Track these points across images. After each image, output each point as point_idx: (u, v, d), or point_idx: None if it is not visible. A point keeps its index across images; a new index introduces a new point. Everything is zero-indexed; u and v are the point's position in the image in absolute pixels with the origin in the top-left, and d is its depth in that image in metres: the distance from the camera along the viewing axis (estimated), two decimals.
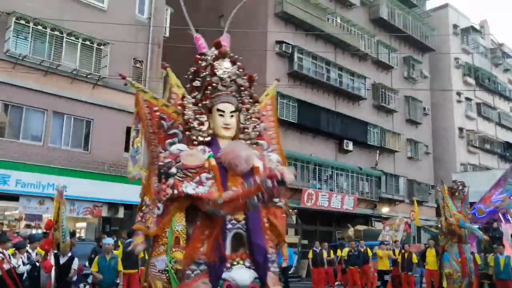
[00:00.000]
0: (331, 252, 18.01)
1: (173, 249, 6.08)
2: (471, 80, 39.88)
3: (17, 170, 16.05)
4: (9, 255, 7.71)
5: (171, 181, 2.98)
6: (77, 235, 14.21)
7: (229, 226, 3.08)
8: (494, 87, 42.82)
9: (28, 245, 8.57)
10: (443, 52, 37.82)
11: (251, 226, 3.13)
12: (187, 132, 3.28)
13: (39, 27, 17.31)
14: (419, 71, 35.71)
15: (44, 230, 10.14)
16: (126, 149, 19.58)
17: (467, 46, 41.15)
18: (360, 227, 22.87)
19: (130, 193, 18.15)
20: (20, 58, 16.79)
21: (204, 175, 3.02)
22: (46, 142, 17.54)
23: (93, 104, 18.67)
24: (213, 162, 3.09)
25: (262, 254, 3.12)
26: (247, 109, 3.45)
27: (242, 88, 3.42)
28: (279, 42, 25.81)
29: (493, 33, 44.64)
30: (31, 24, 17.05)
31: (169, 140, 3.28)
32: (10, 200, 16.31)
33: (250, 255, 3.09)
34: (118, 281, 12.48)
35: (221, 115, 3.28)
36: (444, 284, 12.23)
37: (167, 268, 5.95)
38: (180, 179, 2.99)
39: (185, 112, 3.29)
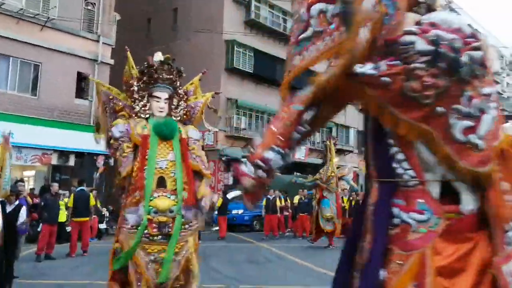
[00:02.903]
0: (283, 199, 18.45)
1: (155, 195, 4.40)
2: None
3: None
4: None
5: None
6: (25, 183, 13.85)
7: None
8: None
9: None
10: None
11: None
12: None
13: None
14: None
15: None
16: (77, 95, 19.03)
17: None
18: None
19: (81, 141, 17.85)
20: None
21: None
22: None
23: (41, 47, 17.84)
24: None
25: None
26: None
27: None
28: None
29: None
30: None
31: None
32: None
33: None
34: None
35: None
36: (323, 225, 14.20)
37: (141, 222, 4.35)
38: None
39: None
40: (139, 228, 4.33)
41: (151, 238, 4.38)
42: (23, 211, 7.82)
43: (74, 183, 14.83)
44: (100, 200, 16.45)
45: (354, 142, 33.70)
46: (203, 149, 4.88)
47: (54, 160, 18.08)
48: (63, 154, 18.25)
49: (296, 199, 17.99)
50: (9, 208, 7.57)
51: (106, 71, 19.76)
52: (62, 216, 12.30)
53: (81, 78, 19.19)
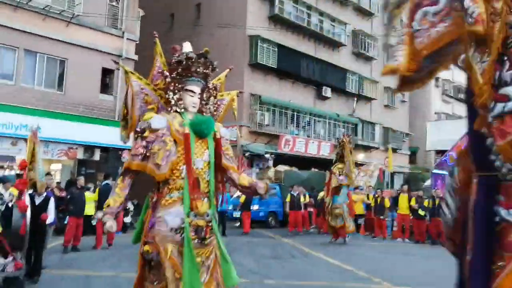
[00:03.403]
0: (307, 196, 18.35)
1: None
2: None
3: None
4: None
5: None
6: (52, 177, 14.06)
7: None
8: None
9: (0, 186, 8.46)
10: None
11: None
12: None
13: None
14: (400, 18, 35.28)
15: (18, 171, 10.02)
16: (102, 90, 19.24)
17: None
18: (281, 168, 22.63)
19: (106, 136, 18.14)
20: None
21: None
22: (18, 81, 17.04)
23: (67, 43, 18.08)
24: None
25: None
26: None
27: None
28: None
29: None
30: None
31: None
32: None
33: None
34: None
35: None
36: (331, 221, 14.11)
37: (183, 226, 4.07)
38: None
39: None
40: (186, 231, 4.02)
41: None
42: (52, 203, 7.92)
43: (99, 177, 15.00)
44: None
45: (379, 138, 33.34)
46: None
47: (80, 155, 18.33)
48: (89, 148, 18.48)
49: (320, 195, 17.87)
50: (38, 200, 7.67)
51: (130, 67, 19.86)
52: (88, 209, 12.45)
53: (106, 74, 19.41)
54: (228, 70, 5.14)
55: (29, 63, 17.49)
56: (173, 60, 4.35)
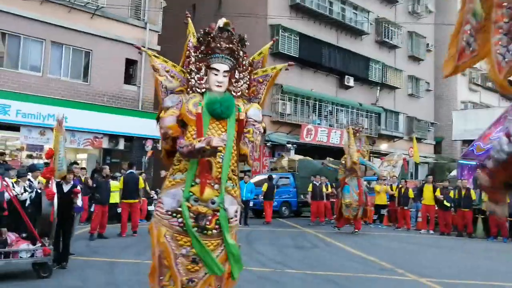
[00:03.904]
0: (329, 186, 18.30)
1: (197, 180, 3.85)
2: None
3: (17, 100, 15.99)
4: (12, 183, 7.84)
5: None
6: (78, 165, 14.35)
7: None
8: None
9: (29, 174, 8.67)
10: None
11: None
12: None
13: None
14: (424, 5, 34.77)
15: (45, 160, 10.27)
16: (126, 81, 19.48)
17: None
18: (296, 157, 22.39)
19: (130, 126, 18.48)
20: None
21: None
22: (45, 73, 17.37)
23: (92, 35, 18.33)
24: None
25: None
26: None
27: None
28: None
29: None
30: None
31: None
32: (12, 130, 16.38)
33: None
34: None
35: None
36: (344, 212, 14.05)
37: (179, 209, 3.81)
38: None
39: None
40: (184, 215, 3.76)
41: (185, 228, 3.80)
42: (79, 190, 8.09)
43: (124, 166, 15.22)
44: (149, 182, 16.84)
45: (403, 128, 32.96)
46: (265, 132, 4.40)
47: (105, 144, 18.65)
48: (113, 138, 18.78)
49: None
50: (66, 188, 7.84)
51: None
52: (114, 198, 12.68)
53: (130, 64, 19.62)
54: (271, 42, 4.77)
55: (56, 55, 17.79)
56: (196, 39, 4.13)
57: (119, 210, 13.00)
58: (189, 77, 4.06)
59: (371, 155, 30.24)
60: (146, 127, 17.73)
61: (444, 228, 15.22)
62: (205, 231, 3.78)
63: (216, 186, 3.83)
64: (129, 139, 19.22)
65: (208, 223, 3.77)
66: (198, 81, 4.01)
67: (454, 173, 20.91)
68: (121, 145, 19.16)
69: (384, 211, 17.68)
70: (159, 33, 20.65)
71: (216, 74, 4.00)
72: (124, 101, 19.25)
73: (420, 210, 16.40)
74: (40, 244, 7.06)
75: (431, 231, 15.59)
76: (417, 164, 28.45)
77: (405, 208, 16.56)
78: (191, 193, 3.79)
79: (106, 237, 11.54)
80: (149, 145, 19.47)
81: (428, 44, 35.24)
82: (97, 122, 17.83)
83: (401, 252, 11.07)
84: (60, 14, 17.55)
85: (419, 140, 30.59)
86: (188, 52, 4.20)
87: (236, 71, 4.13)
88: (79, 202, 8.12)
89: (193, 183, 3.82)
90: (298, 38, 25.42)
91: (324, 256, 9.95)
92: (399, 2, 32.56)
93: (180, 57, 4.41)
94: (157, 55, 4.30)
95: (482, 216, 14.52)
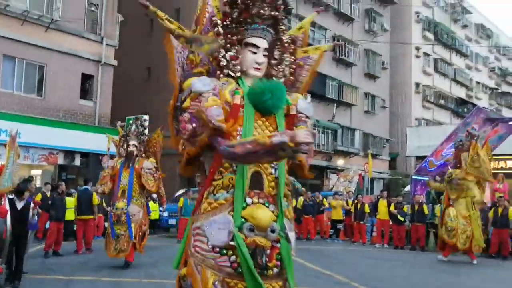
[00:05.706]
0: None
1: (248, 200, 2.70)
2: (430, 35, 40.54)
3: None
4: None
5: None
6: (33, 182, 13.94)
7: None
8: (452, 42, 43.63)
9: None
10: (403, 5, 38.06)
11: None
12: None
13: None
14: (380, 24, 35.87)
15: None
16: (82, 96, 19.16)
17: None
18: None
19: (86, 141, 18.12)
20: None
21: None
22: None
23: (46, 48, 17.98)
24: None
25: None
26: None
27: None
28: None
29: None
30: None
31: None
32: None
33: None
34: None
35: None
36: None
37: (232, 243, 2.60)
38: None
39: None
40: (241, 253, 2.57)
41: (240, 270, 2.61)
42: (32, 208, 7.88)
43: (80, 182, 14.94)
44: (105, 198, 16.52)
45: (359, 144, 33.68)
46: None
47: (61, 160, 18.23)
48: (69, 154, 18.38)
49: (300, 201, 17.90)
50: (19, 205, 7.63)
51: (110, 72, 19.89)
52: (69, 214, 12.42)
53: (86, 79, 19.33)
54: (314, 13, 3.62)
55: (8, 68, 17.34)
56: (227, 2, 2.94)
57: (75, 227, 12.73)
58: (216, 55, 2.89)
59: (327, 170, 30.89)
60: (102, 143, 17.43)
61: (398, 242, 15.60)
62: (265, 271, 2.65)
63: (272, 207, 2.73)
64: (85, 155, 18.82)
65: (267, 260, 2.66)
66: (233, 61, 2.87)
67: (408, 188, 21.50)
68: (77, 161, 18.76)
69: (340, 226, 17.95)
70: (116, 47, 20.46)
71: (254, 52, 2.88)
72: (80, 116, 18.90)
73: (375, 225, 16.76)
74: None
75: (386, 245, 15.94)
76: (373, 180, 29.09)
77: (361, 222, 16.88)
78: (243, 219, 2.64)
79: (61, 255, 11.21)
80: (105, 161, 19.09)
81: (383, 62, 36.31)
82: (52, 138, 17.37)
83: (357, 266, 11.24)
84: (13, 26, 17.12)
85: (374, 156, 31.32)
86: (202, 25, 3.16)
87: (276, 50, 3.00)
88: (34, 219, 7.88)
89: (243, 205, 2.67)
90: None
91: None
92: (356, 20, 33.50)
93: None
94: (171, 20, 3.20)
95: (434, 230, 14.98)
